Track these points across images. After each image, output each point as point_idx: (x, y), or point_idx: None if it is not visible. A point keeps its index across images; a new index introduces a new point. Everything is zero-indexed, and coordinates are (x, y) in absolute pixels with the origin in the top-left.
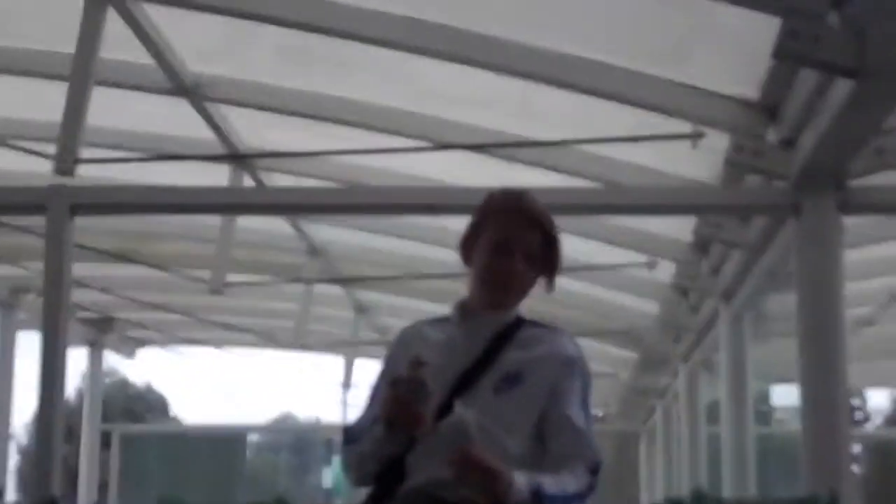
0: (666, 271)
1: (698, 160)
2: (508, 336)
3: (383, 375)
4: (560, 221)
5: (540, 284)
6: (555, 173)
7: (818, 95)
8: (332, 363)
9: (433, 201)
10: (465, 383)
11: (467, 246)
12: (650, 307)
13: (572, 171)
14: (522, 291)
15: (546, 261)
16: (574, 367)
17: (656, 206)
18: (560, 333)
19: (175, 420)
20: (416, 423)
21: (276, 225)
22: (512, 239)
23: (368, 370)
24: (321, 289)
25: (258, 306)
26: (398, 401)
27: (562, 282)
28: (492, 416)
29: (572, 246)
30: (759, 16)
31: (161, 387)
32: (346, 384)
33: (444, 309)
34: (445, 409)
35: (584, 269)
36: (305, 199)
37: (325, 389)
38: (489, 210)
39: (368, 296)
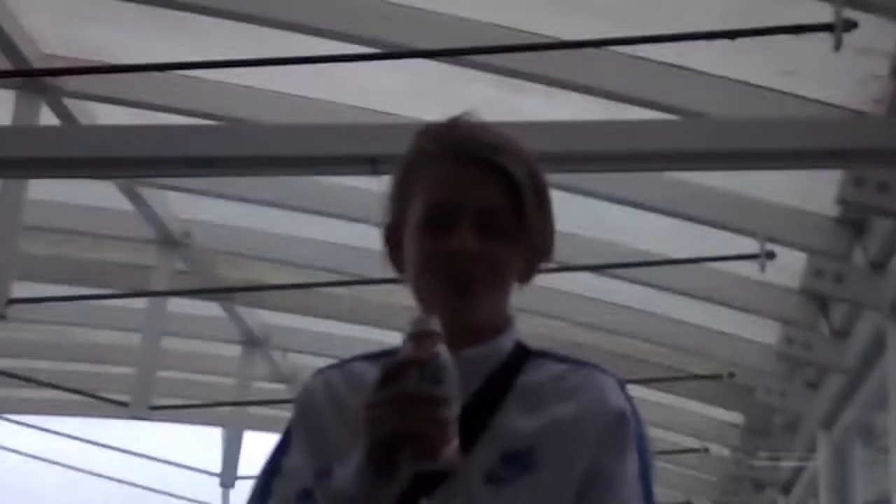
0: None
1: None
2: (504, 383)
3: (281, 457)
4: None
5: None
6: (590, 99)
7: None
8: (201, 439)
9: (377, 150)
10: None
11: (394, 232)
12: (760, 330)
13: (622, 95)
14: (497, 286)
15: (522, 227)
16: (625, 431)
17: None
18: (595, 372)
19: None
20: (439, 444)
21: (99, 192)
22: (455, 200)
23: (263, 451)
24: (181, 305)
25: (66, 338)
26: (408, 401)
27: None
28: None
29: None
30: None
31: None
32: (227, 480)
33: (390, 338)
34: None
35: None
36: (146, 146)
37: (189, 488)
38: (414, 160)
39: (263, 318)
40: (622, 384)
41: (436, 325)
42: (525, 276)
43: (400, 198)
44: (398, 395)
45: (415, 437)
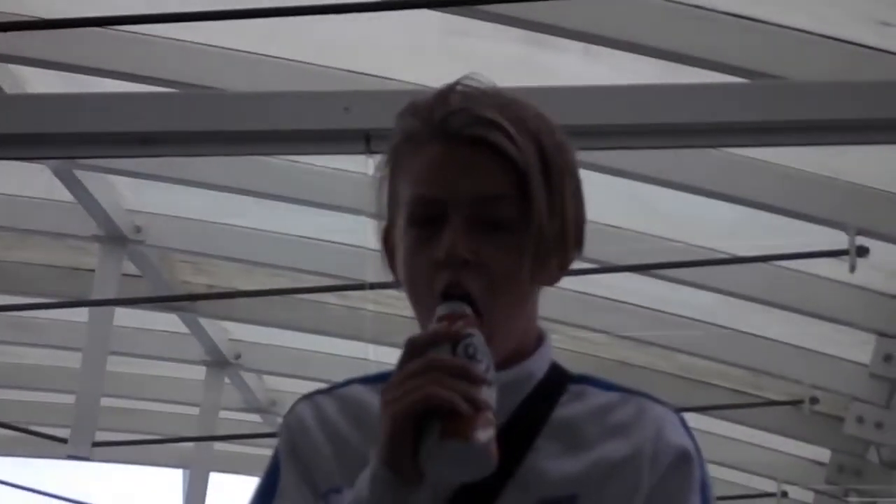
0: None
1: None
2: (537, 417)
3: (266, 501)
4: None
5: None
6: (638, 59)
7: None
8: (157, 483)
9: (372, 124)
10: None
11: (389, 232)
12: (850, 345)
13: (678, 53)
14: (504, 298)
15: (531, 219)
16: (688, 473)
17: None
18: (649, 403)
19: None
20: (474, 426)
21: (28, 177)
22: (443, 192)
23: (236, 499)
24: (131, 317)
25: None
26: (442, 370)
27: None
28: None
29: None
30: None
31: None
32: None
33: (392, 357)
34: None
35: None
36: (86, 120)
37: None
38: (400, 144)
39: (232, 332)
40: (682, 418)
41: (468, 310)
42: (550, 278)
43: (390, 189)
44: (429, 364)
45: (446, 413)
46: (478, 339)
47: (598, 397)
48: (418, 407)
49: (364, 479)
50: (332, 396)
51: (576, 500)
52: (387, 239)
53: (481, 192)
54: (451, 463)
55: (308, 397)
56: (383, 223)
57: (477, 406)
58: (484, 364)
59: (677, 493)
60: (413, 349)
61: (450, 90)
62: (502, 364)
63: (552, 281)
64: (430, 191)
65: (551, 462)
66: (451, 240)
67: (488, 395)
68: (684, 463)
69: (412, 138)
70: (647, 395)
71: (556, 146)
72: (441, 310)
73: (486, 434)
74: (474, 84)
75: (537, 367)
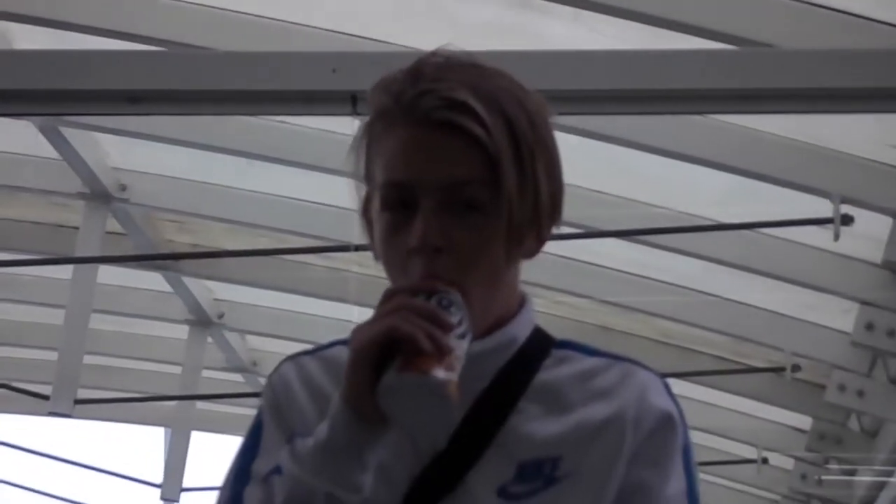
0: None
1: None
2: (519, 380)
3: (250, 462)
4: None
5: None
6: (627, 25)
7: None
8: (139, 442)
9: (358, 86)
10: (434, 486)
11: (369, 204)
12: (833, 313)
13: (666, 19)
14: (481, 279)
15: (502, 202)
16: (671, 438)
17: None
18: (634, 368)
19: None
20: (435, 363)
21: (13, 134)
22: (413, 177)
23: (217, 457)
24: (114, 275)
25: None
26: (412, 309)
27: None
28: None
29: None
30: None
31: None
32: (170, 492)
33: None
34: None
35: None
36: (72, 77)
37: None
38: (374, 121)
39: (216, 292)
40: (666, 383)
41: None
42: (528, 251)
43: (366, 164)
44: (399, 303)
45: (408, 349)
46: (455, 296)
47: (582, 362)
48: (379, 338)
49: (325, 421)
50: (317, 357)
51: (559, 461)
52: (367, 209)
53: (451, 177)
54: (406, 397)
55: (292, 358)
56: (363, 193)
57: (440, 349)
58: (457, 318)
59: (660, 456)
60: (390, 297)
61: (423, 63)
62: (485, 332)
63: (531, 254)
64: (400, 176)
65: (534, 424)
66: (423, 227)
67: (456, 344)
68: (667, 427)
69: (384, 117)
70: (631, 361)
71: (529, 121)
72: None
73: (445, 374)
74: (449, 55)
75: (519, 331)
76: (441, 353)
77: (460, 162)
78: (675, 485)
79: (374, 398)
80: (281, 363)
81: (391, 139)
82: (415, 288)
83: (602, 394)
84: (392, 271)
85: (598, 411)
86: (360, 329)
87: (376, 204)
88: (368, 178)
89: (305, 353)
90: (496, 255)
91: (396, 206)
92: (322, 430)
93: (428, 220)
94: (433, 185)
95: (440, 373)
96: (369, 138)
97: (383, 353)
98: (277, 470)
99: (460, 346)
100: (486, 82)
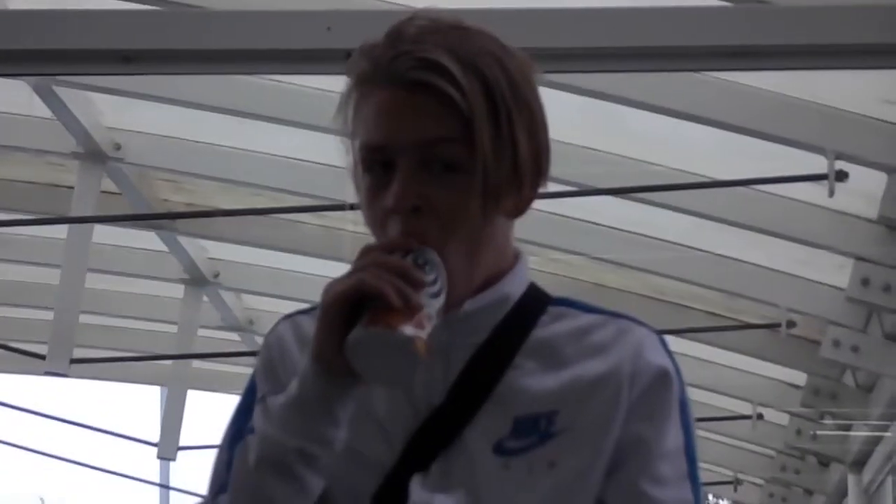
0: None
1: None
2: (515, 336)
3: (247, 423)
4: None
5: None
6: None
7: None
8: (135, 401)
9: (352, 43)
10: (431, 442)
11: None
12: (828, 269)
13: None
14: (465, 238)
15: (476, 159)
16: (667, 393)
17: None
18: (630, 324)
19: None
20: (405, 319)
21: (6, 93)
22: (391, 139)
23: (214, 416)
24: (109, 235)
25: None
26: (384, 266)
27: None
28: None
29: None
30: None
31: None
32: (167, 451)
33: None
34: (393, 495)
35: None
36: (65, 36)
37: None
38: (353, 85)
39: (211, 251)
40: (662, 339)
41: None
42: (514, 210)
43: (352, 125)
44: (372, 259)
45: (378, 304)
46: (431, 255)
47: (578, 319)
48: (349, 293)
49: (295, 378)
50: (313, 316)
51: (556, 415)
52: (356, 170)
53: (426, 137)
54: (373, 352)
55: (289, 317)
56: (351, 153)
57: (410, 305)
58: (432, 276)
59: (656, 411)
60: (365, 254)
61: (404, 26)
62: (477, 291)
63: (515, 213)
64: (377, 137)
65: (530, 379)
66: (400, 188)
67: (428, 302)
68: (663, 382)
69: (364, 81)
70: (628, 317)
71: (509, 81)
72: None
73: (414, 331)
74: (434, 16)
75: (512, 288)
76: (411, 309)
77: (434, 121)
78: (672, 440)
79: (342, 353)
80: (278, 322)
81: (369, 102)
82: (391, 245)
83: (598, 350)
84: (375, 231)
85: (594, 367)
86: (332, 284)
87: (359, 167)
88: (353, 137)
89: (302, 311)
90: (473, 214)
91: (376, 167)
92: (293, 386)
93: (405, 181)
94: (409, 145)
95: (408, 329)
96: (352, 101)
97: (354, 309)
98: (251, 430)
99: (432, 305)
100: (466, 43)
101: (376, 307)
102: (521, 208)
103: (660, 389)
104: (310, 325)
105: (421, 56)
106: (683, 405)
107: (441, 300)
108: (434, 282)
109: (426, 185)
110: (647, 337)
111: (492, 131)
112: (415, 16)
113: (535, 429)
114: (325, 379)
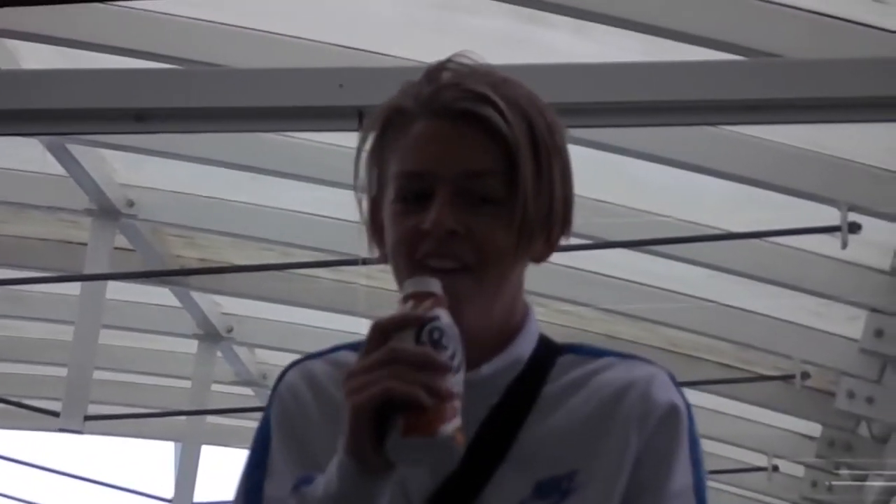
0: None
1: None
2: (527, 395)
3: (262, 479)
4: None
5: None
6: (629, 35)
7: None
8: (149, 457)
9: (365, 101)
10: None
11: (375, 210)
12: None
13: (669, 30)
14: (491, 270)
15: (518, 195)
16: (677, 429)
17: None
18: (640, 364)
19: None
20: (437, 418)
21: (21, 151)
22: (431, 167)
23: (227, 471)
24: (123, 291)
25: None
26: (404, 361)
27: None
28: None
29: None
30: None
31: None
32: None
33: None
34: None
35: None
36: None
37: None
38: (390, 119)
39: (225, 306)
40: (671, 376)
41: (437, 287)
42: (537, 254)
43: (378, 166)
44: (391, 355)
45: (408, 406)
46: (444, 321)
47: (585, 366)
48: (376, 402)
49: (332, 468)
50: (322, 360)
51: (575, 475)
52: (375, 216)
53: (469, 167)
54: (415, 457)
55: (297, 364)
56: (365, 199)
57: (441, 396)
58: (450, 349)
59: (666, 450)
60: (378, 333)
61: (441, 67)
62: (492, 346)
63: (540, 258)
64: (417, 165)
65: (545, 439)
66: (438, 212)
67: (454, 382)
68: (673, 420)
69: (402, 114)
70: (636, 357)
71: (547, 126)
72: (409, 286)
73: (450, 426)
74: (466, 62)
75: (525, 347)
76: (442, 400)
77: (479, 153)
78: (681, 479)
79: (378, 452)
80: (285, 371)
81: (409, 133)
82: (402, 321)
83: (608, 395)
84: (397, 254)
85: (604, 412)
86: (352, 380)
87: (388, 203)
88: (381, 177)
89: (309, 357)
90: (508, 247)
91: (412, 197)
92: (331, 480)
93: (444, 206)
94: (451, 174)
95: (446, 427)
96: (383, 138)
97: (383, 411)
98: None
99: (458, 383)
100: (505, 83)
101: (408, 411)
102: (545, 254)
103: (669, 427)
104: (321, 371)
105: (467, 87)
106: (693, 441)
107: (462, 372)
108: (453, 356)
109: (463, 215)
110: (656, 375)
111: (534, 168)
112: (449, 60)
113: (556, 489)
114: (366, 478)
